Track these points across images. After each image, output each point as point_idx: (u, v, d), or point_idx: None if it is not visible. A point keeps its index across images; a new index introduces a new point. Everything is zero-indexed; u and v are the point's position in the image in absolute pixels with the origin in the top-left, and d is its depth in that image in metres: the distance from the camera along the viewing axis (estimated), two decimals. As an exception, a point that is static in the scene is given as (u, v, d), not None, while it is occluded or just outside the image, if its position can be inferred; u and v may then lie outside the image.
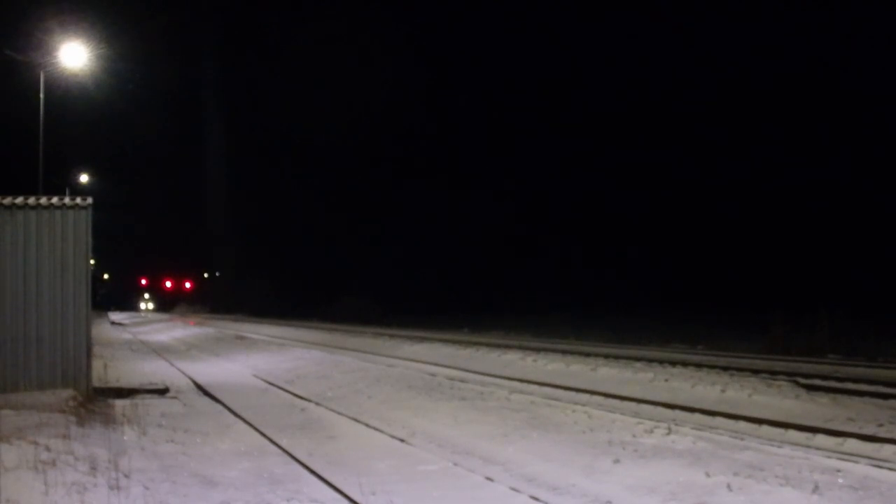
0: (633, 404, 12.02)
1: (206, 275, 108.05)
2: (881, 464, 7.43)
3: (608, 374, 15.36)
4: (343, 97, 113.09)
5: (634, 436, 9.01)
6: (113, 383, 13.97)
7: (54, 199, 12.20)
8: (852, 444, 8.84)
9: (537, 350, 20.24)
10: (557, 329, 30.34)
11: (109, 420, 10.17)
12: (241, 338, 30.44)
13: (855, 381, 12.97)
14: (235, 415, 11.45)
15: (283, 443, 9.19)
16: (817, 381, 13.04)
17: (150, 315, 79.43)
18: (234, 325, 44.43)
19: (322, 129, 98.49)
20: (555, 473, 7.69)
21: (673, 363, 16.09)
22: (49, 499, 6.21)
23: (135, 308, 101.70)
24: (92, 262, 12.93)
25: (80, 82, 23.64)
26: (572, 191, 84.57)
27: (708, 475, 7.20)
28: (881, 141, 55.24)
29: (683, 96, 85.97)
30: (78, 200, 12.32)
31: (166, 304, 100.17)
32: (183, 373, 17.81)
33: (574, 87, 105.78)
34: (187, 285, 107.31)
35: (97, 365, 14.98)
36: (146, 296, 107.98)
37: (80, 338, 11.98)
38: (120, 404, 11.65)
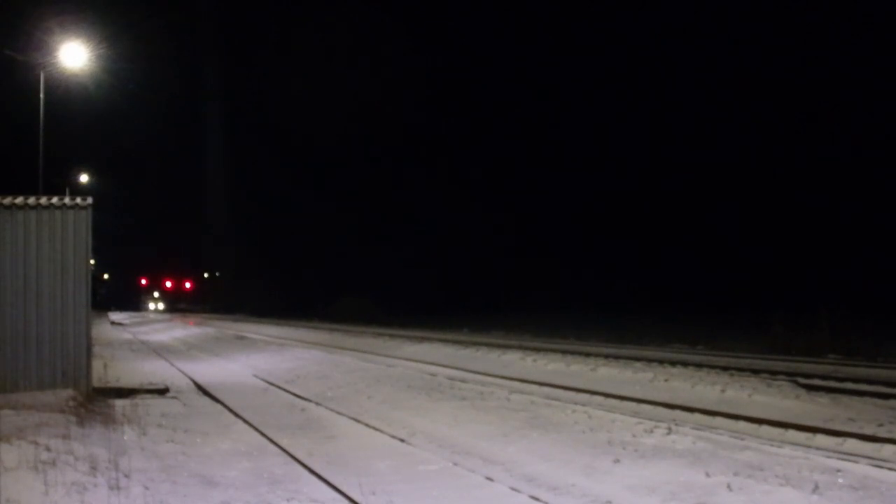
0: (633, 404, 12.01)
1: (206, 275, 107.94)
2: (881, 464, 7.42)
3: (608, 374, 15.36)
4: (343, 97, 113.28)
5: (634, 436, 9.01)
6: (113, 383, 13.97)
7: (54, 199, 12.20)
8: (852, 444, 8.83)
9: (537, 350, 20.24)
10: (557, 329, 30.35)
11: (109, 420, 10.17)
12: (241, 338, 30.43)
13: (855, 381, 12.97)
14: (235, 415, 11.45)
15: (283, 443, 9.19)
16: (817, 381, 13.04)
17: (149, 315, 79.28)
18: (234, 325, 44.42)
19: (322, 128, 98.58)
20: (555, 473, 7.69)
21: (673, 363, 16.09)
22: (49, 499, 6.21)
23: (141, 308, 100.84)
24: (92, 262, 12.93)
25: (80, 82, 23.64)
26: (572, 191, 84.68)
27: (708, 475, 7.19)
28: (881, 141, 55.23)
29: (683, 96, 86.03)
30: (78, 200, 12.32)
31: (175, 303, 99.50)
32: (183, 373, 17.80)
33: (574, 87, 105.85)
34: (187, 285, 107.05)
35: (97, 365, 14.98)
36: (155, 294, 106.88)
37: (80, 338, 11.98)
38: (120, 404, 11.64)
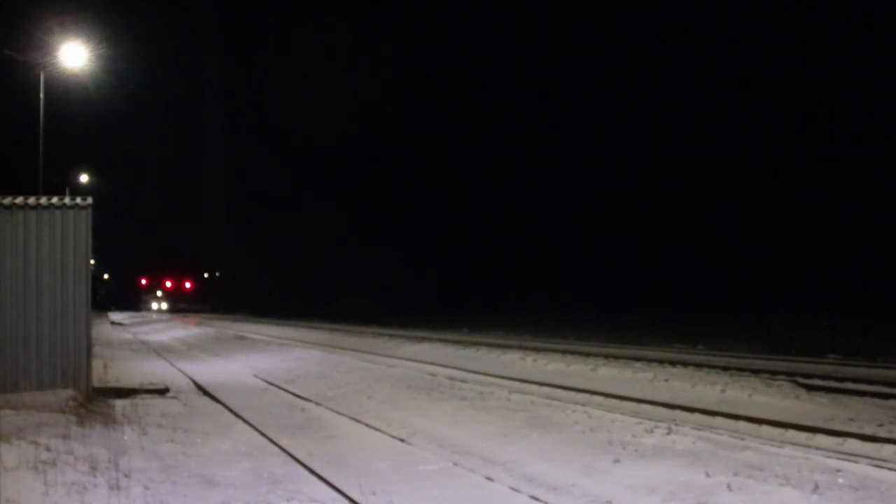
0: (633, 404, 12.01)
1: (206, 275, 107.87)
2: (881, 464, 7.43)
3: (608, 374, 15.36)
4: (343, 97, 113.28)
5: (634, 436, 9.01)
6: (113, 383, 13.97)
7: (54, 199, 12.20)
8: (852, 444, 8.83)
9: (537, 350, 20.24)
10: (557, 329, 30.34)
11: (109, 420, 10.17)
12: (241, 338, 30.43)
13: (855, 381, 12.97)
14: (235, 415, 11.45)
15: (283, 443, 9.19)
16: (817, 381, 13.04)
17: (149, 315, 79.16)
18: (234, 325, 44.42)
19: (322, 128, 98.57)
20: (555, 473, 7.69)
21: (673, 363, 16.09)
22: (49, 499, 6.21)
23: (141, 308, 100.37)
24: (92, 262, 12.93)
25: (80, 82, 23.65)
26: (572, 191, 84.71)
27: (708, 475, 7.19)
28: (881, 141, 55.25)
29: (683, 96, 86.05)
30: (78, 200, 12.32)
31: (176, 303, 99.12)
32: (183, 373, 17.80)
33: (574, 87, 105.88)
34: (187, 285, 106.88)
35: (97, 365, 14.98)
36: (158, 294, 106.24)
37: (80, 338, 11.98)
38: (120, 404, 11.64)
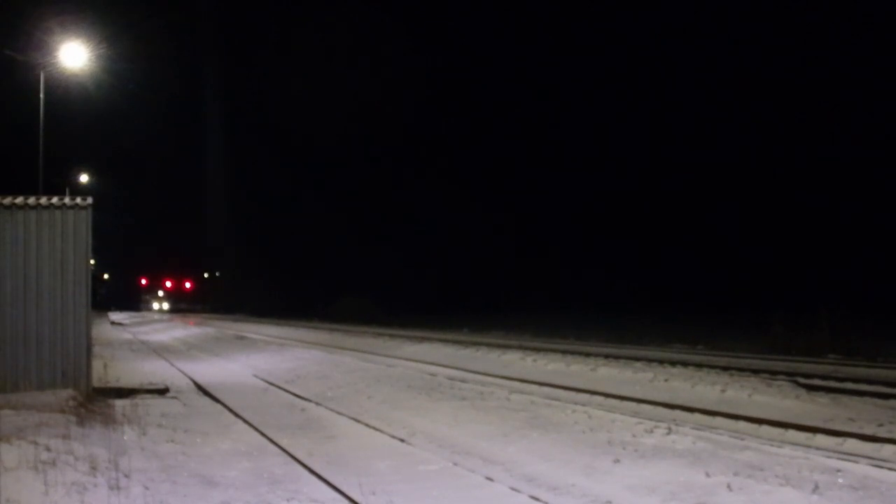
0: (633, 404, 12.01)
1: (206, 275, 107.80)
2: (881, 464, 7.43)
3: (608, 374, 15.36)
4: (343, 97, 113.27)
5: (634, 436, 9.01)
6: (113, 383, 13.98)
7: (54, 199, 12.20)
8: (852, 444, 8.83)
9: (537, 350, 20.24)
10: (557, 329, 30.34)
11: (109, 420, 10.17)
12: (241, 338, 30.42)
13: (855, 381, 12.98)
14: (235, 415, 11.45)
15: (283, 443, 9.19)
16: (817, 381, 13.04)
17: (149, 315, 79.07)
18: (234, 325, 44.40)
19: (322, 128, 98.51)
20: (555, 473, 7.69)
21: (673, 363, 16.09)
22: (49, 499, 6.21)
23: (141, 308, 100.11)
24: (92, 262, 12.93)
25: (80, 82, 23.66)
26: (572, 191, 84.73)
27: (708, 475, 7.19)
28: (881, 141, 55.26)
29: (683, 96, 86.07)
30: (78, 200, 12.32)
31: (176, 303, 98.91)
32: (183, 373, 17.80)
33: (574, 87, 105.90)
34: (187, 285, 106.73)
35: (97, 365, 14.98)
36: (160, 294, 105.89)
37: (80, 338, 11.98)
38: (120, 404, 11.64)
